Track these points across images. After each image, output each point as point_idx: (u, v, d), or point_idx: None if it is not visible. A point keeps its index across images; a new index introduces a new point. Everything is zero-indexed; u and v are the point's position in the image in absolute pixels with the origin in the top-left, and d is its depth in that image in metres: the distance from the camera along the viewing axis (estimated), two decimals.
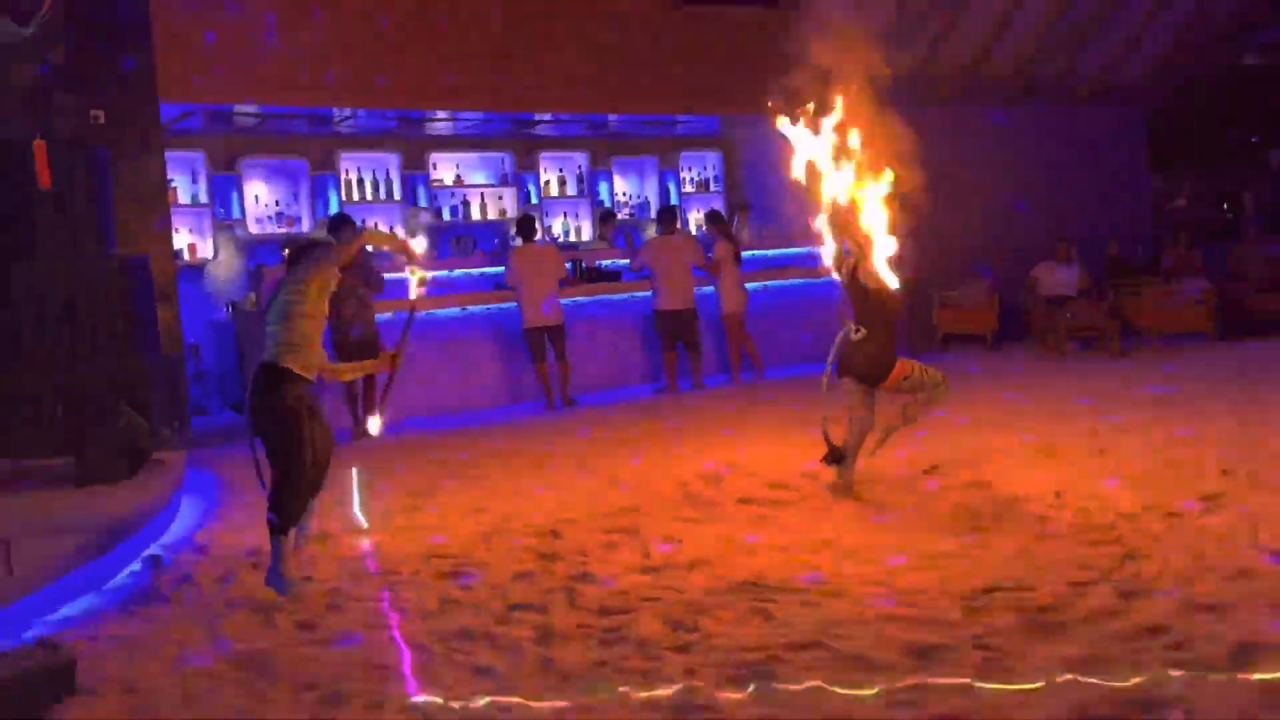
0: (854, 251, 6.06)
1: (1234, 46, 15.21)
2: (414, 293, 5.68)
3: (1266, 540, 4.75)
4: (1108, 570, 4.51)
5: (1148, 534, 4.97)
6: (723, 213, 11.95)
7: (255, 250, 11.18)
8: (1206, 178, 15.91)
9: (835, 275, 6.22)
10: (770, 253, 12.07)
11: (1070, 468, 6.39)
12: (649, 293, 10.78)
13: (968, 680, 3.48)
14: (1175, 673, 3.43)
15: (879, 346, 6.04)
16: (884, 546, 5.04)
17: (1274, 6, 14.97)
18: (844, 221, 6.02)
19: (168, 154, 9.54)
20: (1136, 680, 3.39)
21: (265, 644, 4.21)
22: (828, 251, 6.15)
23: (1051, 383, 9.84)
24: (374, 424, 6.00)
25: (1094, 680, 3.41)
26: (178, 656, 4.11)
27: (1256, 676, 3.37)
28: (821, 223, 6.07)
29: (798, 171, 6.06)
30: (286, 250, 5.67)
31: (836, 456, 6.05)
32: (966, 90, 13.45)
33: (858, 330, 6.03)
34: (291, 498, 4.94)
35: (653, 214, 12.69)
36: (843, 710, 3.31)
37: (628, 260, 11.10)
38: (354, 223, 9.42)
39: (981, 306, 12.64)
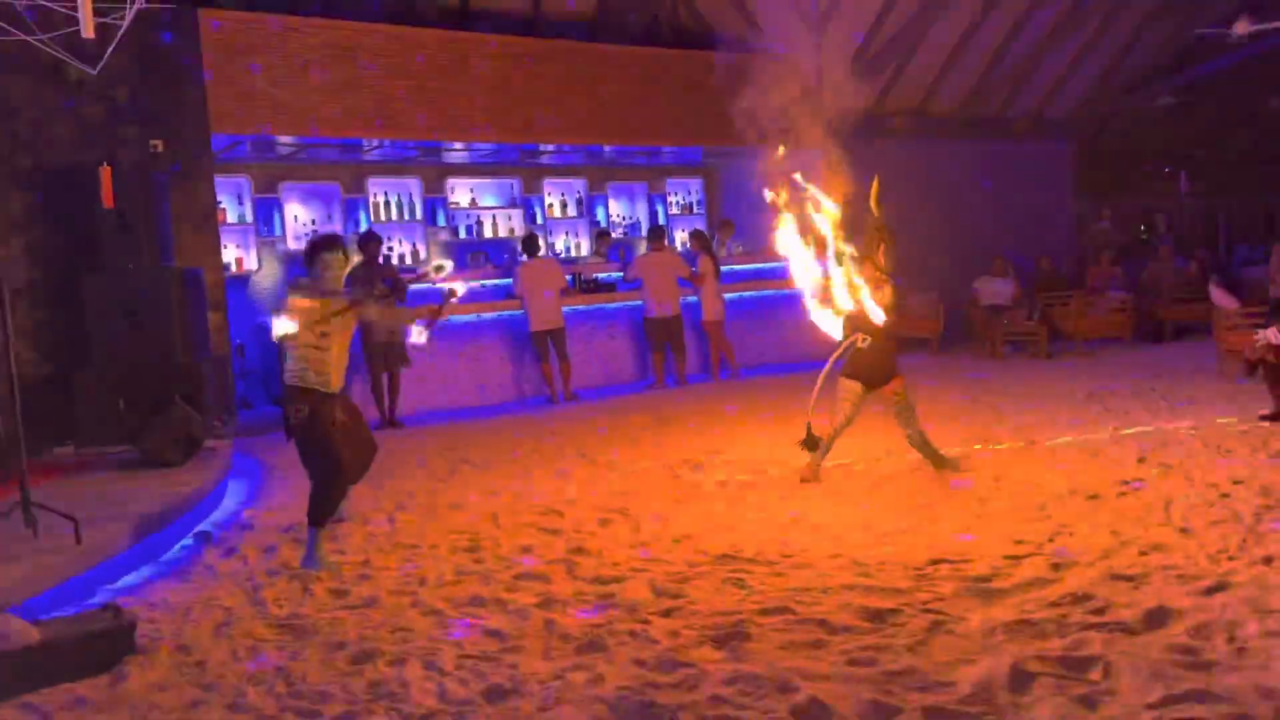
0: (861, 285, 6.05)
1: (1149, 89, 15.30)
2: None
3: (1176, 519, 4.78)
4: (1039, 544, 4.52)
5: (1074, 513, 4.99)
6: (705, 232, 11.93)
7: (294, 263, 11.13)
8: (1126, 202, 15.96)
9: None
10: (746, 267, 12.07)
11: (1005, 456, 6.42)
12: (639, 302, 10.78)
13: (919, 639, 3.49)
14: (1097, 634, 3.45)
15: (881, 355, 6.05)
16: (845, 524, 5.05)
17: (1182, 57, 15.10)
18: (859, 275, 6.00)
19: (217, 179, 9.51)
20: (1063, 641, 3.41)
21: (302, 609, 4.20)
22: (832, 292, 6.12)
23: (988, 382, 9.87)
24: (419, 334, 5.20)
25: (1026, 640, 3.43)
26: (224, 620, 4.10)
27: (1167, 638, 3.39)
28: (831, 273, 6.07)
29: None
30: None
31: (813, 444, 6.07)
32: (916, 126, 13.49)
33: (864, 340, 6.02)
34: (325, 500, 4.82)
35: (643, 233, 12.68)
36: (808, 667, 3.31)
37: (622, 273, 11.10)
38: (380, 239, 9.38)
39: (929, 314, 12.66)
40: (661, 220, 13.49)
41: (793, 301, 12.03)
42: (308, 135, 9.99)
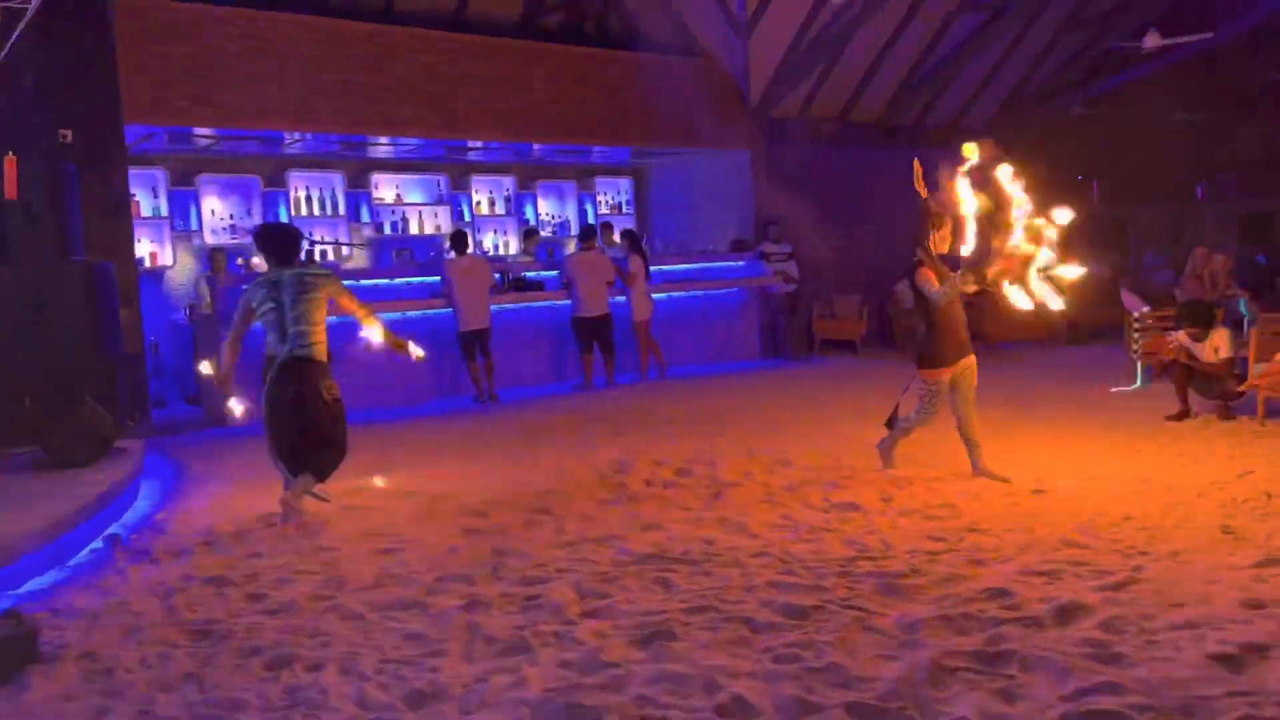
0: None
1: (1062, 100, 15.76)
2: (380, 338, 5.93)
3: (1087, 516, 4.92)
4: (954, 542, 4.61)
5: (988, 511, 5.10)
6: (636, 231, 11.91)
7: (210, 258, 10.82)
8: (1041, 208, 16.42)
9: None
10: (676, 268, 12.11)
11: (921, 454, 6.52)
12: (568, 301, 10.72)
13: (841, 636, 3.53)
14: (1013, 630, 3.52)
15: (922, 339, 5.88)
16: (768, 523, 5.08)
17: (1092, 70, 15.60)
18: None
19: (131, 171, 9.20)
20: (980, 637, 3.47)
21: (217, 614, 4.07)
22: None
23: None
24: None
25: (945, 636, 3.49)
26: (134, 626, 3.95)
27: (1079, 632, 3.48)
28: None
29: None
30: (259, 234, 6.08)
31: (890, 421, 6.10)
32: (840, 133, 13.68)
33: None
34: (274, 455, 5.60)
35: (573, 232, 12.64)
36: (733, 665, 3.32)
37: (551, 271, 11.03)
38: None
39: (852, 318, 12.86)
40: (591, 219, 13.47)
41: (720, 301, 12.21)
42: (226, 127, 9.73)
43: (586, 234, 10.94)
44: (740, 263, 12.35)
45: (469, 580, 4.35)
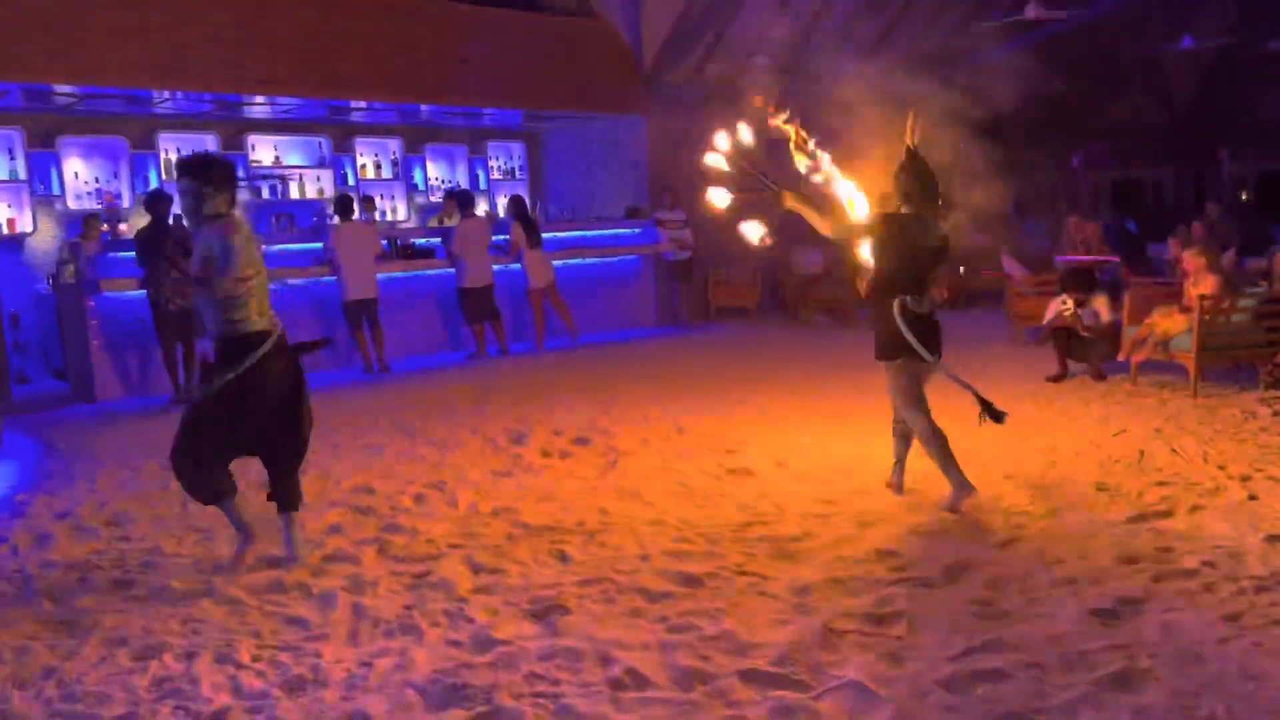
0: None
1: (944, 70, 16.07)
2: None
3: (973, 476, 5.03)
4: (845, 505, 4.66)
5: (877, 474, 5.17)
6: (521, 197, 11.66)
7: (74, 225, 10.19)
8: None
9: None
10: (568, 235, 11.94)
11: (816, 419, 6.59)
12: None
13: (734, 603, 3.52)
14: (900, 590, 3.57)
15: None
16: (664, 490, 5.06)
17: (974, 40, 15.95)
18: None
19: None
20: (869, 598, 3.51)
21: (80, 603, 3.83)
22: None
23: (797, 348, 10.17)
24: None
25: (835, 598, 3.51)
26: None
27: (965, 592, 3.55)
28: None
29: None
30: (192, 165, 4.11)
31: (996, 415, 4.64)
32: (732, 97, 13.65)
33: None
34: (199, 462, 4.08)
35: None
36: (627, 637, 3.28)
37: (440, 239, 10.72)
38: (170, 199, 8.08)
39: (747, 284, 12.94)
40: (482, 185, 13.18)
41: (616, 268, 12.12)
42: (87, 84, 9.12)
43: (467, 201, 10.67)
44: (636, 230, 12.28)
45: (354, 560, 4.20)
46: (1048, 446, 5.61)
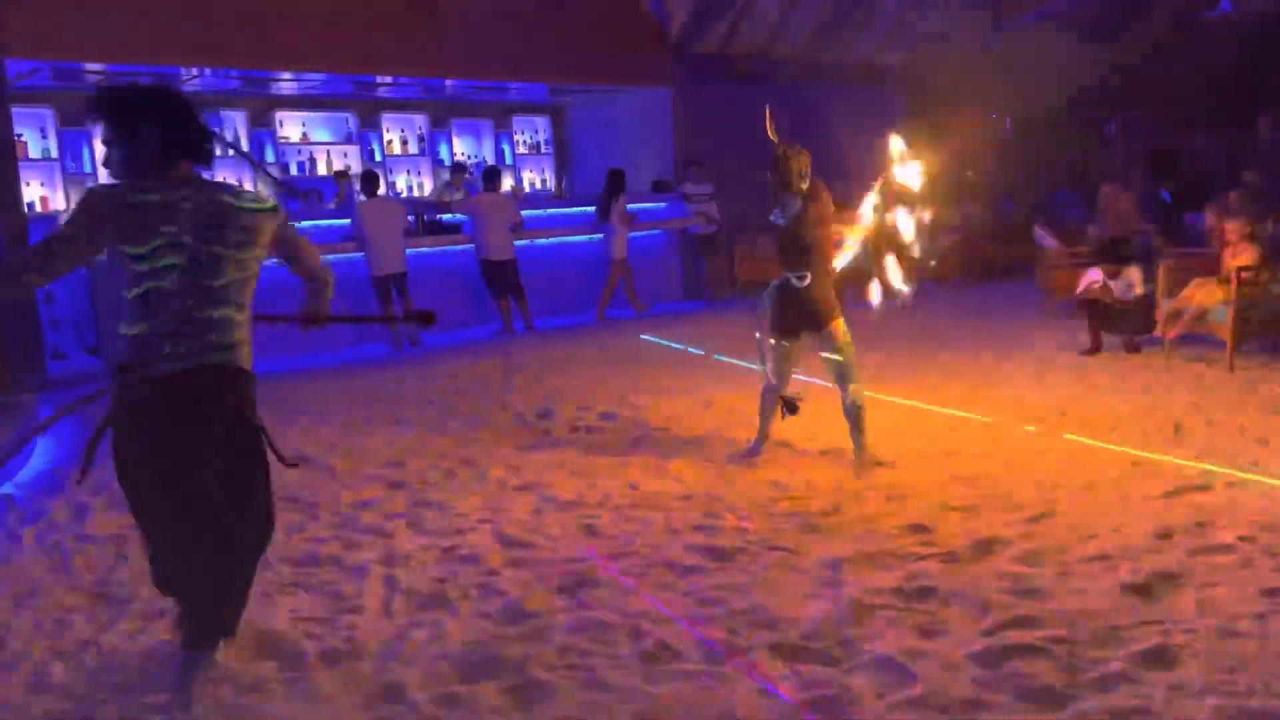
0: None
1: (974, 39, 15.85)
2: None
3: (1003, 450, 5.00)
4: (875, 480, 4.64)
5: (907, 447, 5.14)
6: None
7: None
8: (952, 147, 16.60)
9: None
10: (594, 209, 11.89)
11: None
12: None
13: (764, 577, 3.52)
14: (932, 565, 3.56)
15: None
16: (692, 465, 5.06)
17: (995, 10, 15.70)
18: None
19: (15, 109, 8.64)
20: (900, 573, 3.50)
21: (117, 575, 3.90)
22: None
23: None
24: None
25: (866, 573, 3.50)
26: (27, 591, 3.76)
27: (996, 566, 3.53)
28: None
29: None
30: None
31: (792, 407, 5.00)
32: (760, 69, 13.53)
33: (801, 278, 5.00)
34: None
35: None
36: (657, 610, 3.29)
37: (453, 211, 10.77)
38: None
39: (773, 257, 12.83)
40: (509, 160, 13.16)
41: (642, 243, 12.08)
42: (117, 63, 9.16)
43: (490, 175, 10.66)
44: (662, 204, 12.22)
45: (387, 534, 4.23)
46: (1082, 420, 5.55)
